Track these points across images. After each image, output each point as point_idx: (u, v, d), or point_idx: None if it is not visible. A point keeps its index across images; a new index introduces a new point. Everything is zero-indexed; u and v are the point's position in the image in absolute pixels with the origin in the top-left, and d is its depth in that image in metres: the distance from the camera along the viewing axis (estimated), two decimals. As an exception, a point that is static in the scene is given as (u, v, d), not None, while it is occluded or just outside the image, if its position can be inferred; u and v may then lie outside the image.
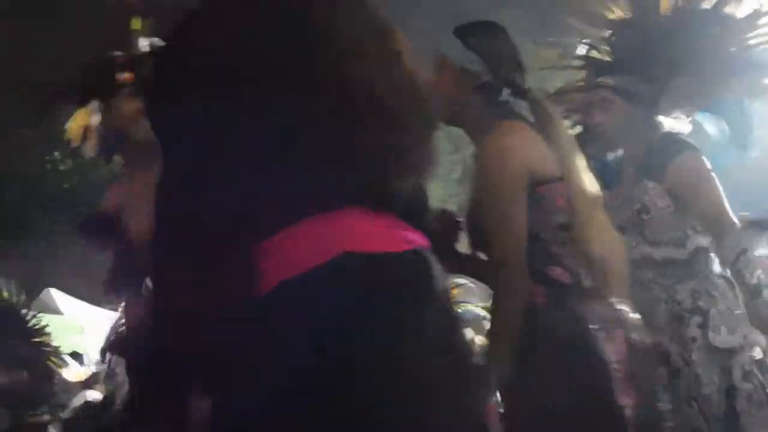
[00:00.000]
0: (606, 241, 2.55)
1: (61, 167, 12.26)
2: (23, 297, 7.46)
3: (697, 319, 3.06)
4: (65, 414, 6.89)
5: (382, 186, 1.62)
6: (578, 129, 3.42)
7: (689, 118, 3.44)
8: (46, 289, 10.28)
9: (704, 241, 3.16)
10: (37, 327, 7.19)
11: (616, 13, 3.47)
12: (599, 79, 3.36)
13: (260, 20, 1.63)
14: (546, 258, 2.55)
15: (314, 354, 1.47)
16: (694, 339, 3.03)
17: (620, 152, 3.41)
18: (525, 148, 2.56)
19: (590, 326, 2.46)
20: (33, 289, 8.27)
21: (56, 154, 11.86)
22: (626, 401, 2.43)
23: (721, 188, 3.16)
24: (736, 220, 3.15)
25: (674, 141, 3.25)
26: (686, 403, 2.98)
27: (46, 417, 6.87)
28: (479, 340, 7.65)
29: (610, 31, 3.46)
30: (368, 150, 1.59)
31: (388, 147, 1.61)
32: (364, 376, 1.48)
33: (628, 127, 3.29)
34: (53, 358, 7.14)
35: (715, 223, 3.14)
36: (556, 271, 2.55)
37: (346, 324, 1.49)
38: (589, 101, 3.36)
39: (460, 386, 1.59)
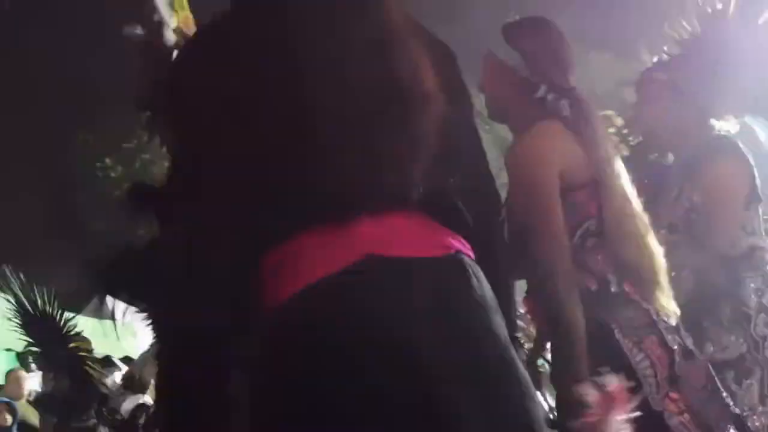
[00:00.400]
0: (640, 246, 2.48)
1: (112, 174, 12.47)
2: (55, 304, 7.52)
3: (763, 317, 3.01)
4: (117, 417, 6.98)
5: (413, 188, 1.59)
6: (628, 132, 3.40)
7: (738, 119, 3.39)
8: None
9: (758, 240, 3.11)
10: (72, 332, 7.28)
11: (686, 31, 3.42)
12: (653, 74, 3.33)
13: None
14: (576, 264, 2.47)
15: (337, 358, 1.46)
16: (765, 337, 2.99)
17: (670, 156, 3.38)
18: (555, 153, 2.51)
19: (614, 332, 2.41)
20: (86, 293, 8.38)
21: (107, 161, 12.06)
22: (668, 406, 2.39)
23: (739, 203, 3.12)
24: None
25: (724, 143, 3.20)
26: (761, 403, 2.93)
27: (92, 422, 6.94)
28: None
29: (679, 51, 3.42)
30: (395, 152, 1.57)
31: (414, 146, 1.58)
32: (384, 379, 1.45)
33: (679, 126, 3.25)
34: (90, 363, 7.20)
35: None
36: (583, 277, 2.48)
37: (369, 327, 1.47)
38: (641, 97, 3.33)
39: (490, 404, 1.51)
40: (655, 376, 2.39)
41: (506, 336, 1.59)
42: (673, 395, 2.40)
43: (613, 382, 1.88)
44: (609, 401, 1.86)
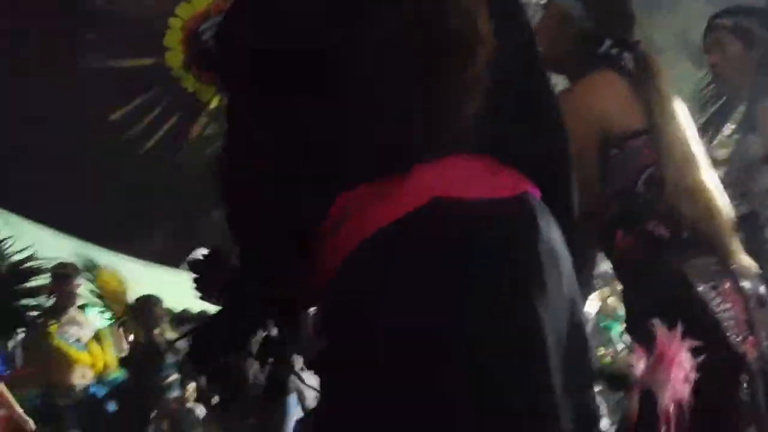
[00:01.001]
0: (700, 200, 2.46)
1: (207, 131, 12.61)
2: None
3: None
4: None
5: (472, 132, 1.56)
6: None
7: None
8: (195, 250, 10.57)
9: None
10: None
11: None
12: (716, 20, 3.29)
13: None
14: (638, 211, 2.50)
15: (406, 305, 1.44)
16: None
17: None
18: (601, 105, 2.51)
19: (690, 277, 2.40)
20: (186, 249, 8.58)
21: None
22: (749, 350, 2.38)
23: None
24: None
25: None
26: None
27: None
28: (612, 301, 7.45)
29: None
30: (450, 99, 1.55)
31: (467, 91, 1.56)
32: (450, 329, 1.43)
33: (742, 73, 3.22)
34: None
35: None
36: (651, 224, 2.48)
37: (435, 272, 1.45)
38: (707, 42, 3.30)
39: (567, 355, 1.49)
40: (734, 319, 2.39)
41: (571, 290, 1.55)
42: (752, 339, 2.40)
43: (664, 330, 1.88)
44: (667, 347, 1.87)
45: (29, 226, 9.51)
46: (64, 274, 6.67)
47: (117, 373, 6.92)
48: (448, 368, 1.41)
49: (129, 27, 3.35)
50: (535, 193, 1.60)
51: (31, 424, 5.95)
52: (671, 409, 1.86)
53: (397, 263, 1.46)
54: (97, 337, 6.84)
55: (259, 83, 1.58)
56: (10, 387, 6.00)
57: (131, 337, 7.48)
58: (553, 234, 1.55)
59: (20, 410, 5.95)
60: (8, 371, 6.20)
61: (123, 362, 6.98)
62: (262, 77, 1.58)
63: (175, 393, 7.00)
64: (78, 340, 6.61)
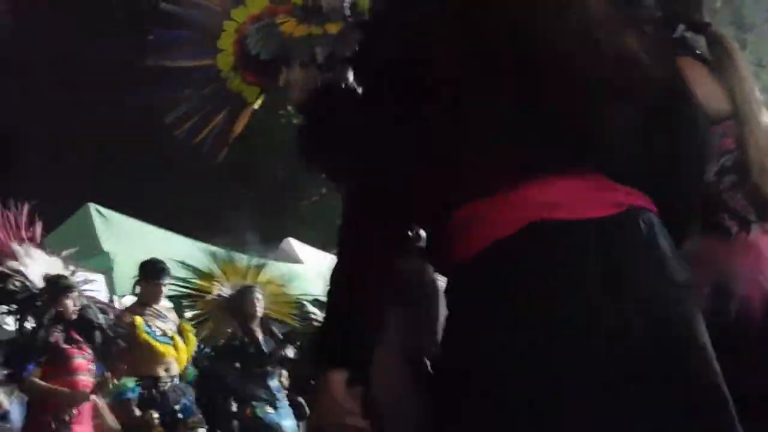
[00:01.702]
0: None
1: (294, 121, 12.68)
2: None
3: None
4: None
5: (585, 146, 1.57)
6: None
7: None
8: (286, 239, 10.68)
9: None
10: None
11: None
12: None
13: None
14: (713, 203, 2.40)
15: (510, 321, 1.48)
16: None
17: None
18: None
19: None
20: (273, 239, 8.60)
21: (290, 108, 12.26)
22: None
23: None
24: None
25: None
26: None
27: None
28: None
29: None
30: (566, 113, 1.55)
31: (585, 106, 1.56)
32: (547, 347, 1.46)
33: None
34: None
35: None
36: (721, 218, 2.42)
37: (534, 293, 1.48)
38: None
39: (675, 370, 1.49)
40: None
41: (678, 298, 1.54)
42: None
43: None
44: None
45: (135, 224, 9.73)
46: (151, 270, 6.75)
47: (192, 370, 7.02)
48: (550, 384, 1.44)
49: (191, 29, 3.37)
50: (645, 206, 1.59)
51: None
52: None
53: (504, 281, 1.51)
54: (180, 331, 6.87)
55: (390, 96, 1.65)
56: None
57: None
58: (661, 247, 1.56)
59: (111, 419, 6.12)
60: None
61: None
62: (393, 93, 1.65)
63: (272, 382, 7.02)
64: (164, 334, 6.67)
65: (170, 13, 3.38)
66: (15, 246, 6.16)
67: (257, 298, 7.19)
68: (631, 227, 1.54)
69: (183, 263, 7.40)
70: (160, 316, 6.75)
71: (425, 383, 2.42)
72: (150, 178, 13.72)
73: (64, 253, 6.54)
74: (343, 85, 2.92)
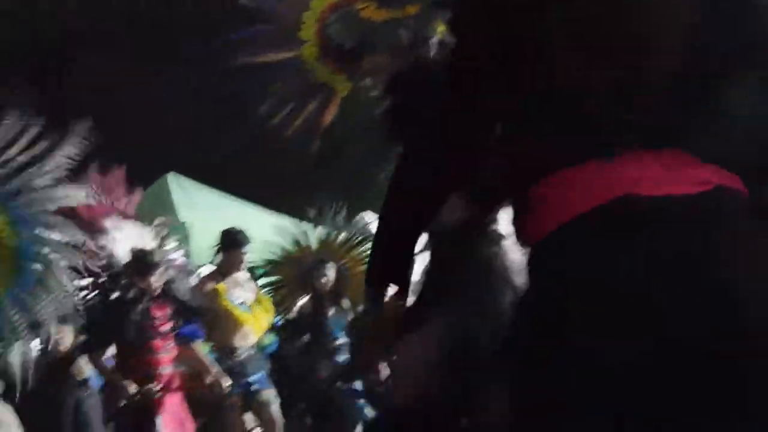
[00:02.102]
0: None
1: (372, 93, 12.67)
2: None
3: None
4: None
5: (669, 123, 1.55)
6: None
7: None
8: (364, 213, 10.72)
9: None
10: None
11: None
12: None
13: None
14: None
15: (590, 297, 1.47)
16: None
17: None
18: None
19: None
20: (351, 212, 8.64)
21: (368, 80, 12.27)
22: None
23: None
24: None
25: None
26: None
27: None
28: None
29: None
30: (650, 89, 1.54)
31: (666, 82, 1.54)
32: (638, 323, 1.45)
33: None
34: None
35: None
36: None
37: (615, 270, 1.47)
38: None
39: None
40: None
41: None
42: None
43: None
44: None
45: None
46: (232, 239, 6.85)
47: (270, 339, 7.13)
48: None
49: (271, 23, 3.40)
50: (734, 186, 1.56)
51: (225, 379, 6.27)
52: None
53: (585, 256, 1.50)
54: (259, 300, 6.98)
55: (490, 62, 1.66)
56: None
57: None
58: (745, 227, 1.54)
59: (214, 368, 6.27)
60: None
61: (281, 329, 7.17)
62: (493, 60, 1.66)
63: (342, 357, 7.08)
64: (243, 303, 6.76)
65: (249, 8, 3.41)
66: (106, 221, 6.32)
67: (327, 275, 7.28)
68: (716, 206, 1.52)
69: (277, 228, 7.56)
70: (239, 284, 6.84)
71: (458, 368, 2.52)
72: (233, 153, 13.88)
73: (156, 221, 6.72)
74: (427, 65, 2.93)
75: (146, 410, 5.89)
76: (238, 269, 6.89)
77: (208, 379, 6.30)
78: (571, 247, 1.52)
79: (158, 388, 6.03)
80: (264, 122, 3.36)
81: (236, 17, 3.54)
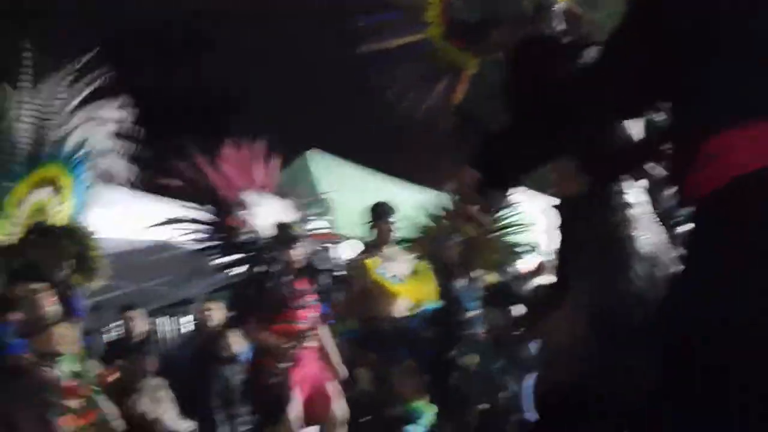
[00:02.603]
0: None
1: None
2: None
3: None
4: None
5: None
6: None
7: None
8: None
9: None
10: None
11: None
12: None
13: None
14: None
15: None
16: None
17: None
18: None
19: None
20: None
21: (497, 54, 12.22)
22: None
23: None
24: None
25: None
26: None
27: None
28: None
29: None
30: None
31: None
32: None
33: None
34: None
35: None
36: None
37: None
38: None
39: None
40: None
41: None
42: None
43: None
44: None
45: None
46: (382, 212, 6.89)
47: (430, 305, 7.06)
48: None
49: (394, 8, 3.45)
50: None
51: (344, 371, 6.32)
52: None
53: (739, 219, 1.50)
54: (416, 270, 6.99)
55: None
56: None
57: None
58: None
59: (337, 359, 6.32)
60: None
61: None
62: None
63: (478, 329, 7.04)
64: (395, 276, 6.77)
65: None
66: (245, 195, 6.36)
67: (451, 246, 7.30)
68: None
69: (418, 203, 7.62)
70: (391, 258, 6.85)
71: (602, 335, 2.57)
72: (369, 131, 14.00)
73: (298, 199, 6.76)
74: (551, 34, 2.96)
75: (284, 385, 5.92)
76: (388, 241, 6.90)
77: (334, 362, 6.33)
78: (727, 211, 1.53)
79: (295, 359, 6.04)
80: (396, 105, 3.40)
81: (367, 4, 3.59)
